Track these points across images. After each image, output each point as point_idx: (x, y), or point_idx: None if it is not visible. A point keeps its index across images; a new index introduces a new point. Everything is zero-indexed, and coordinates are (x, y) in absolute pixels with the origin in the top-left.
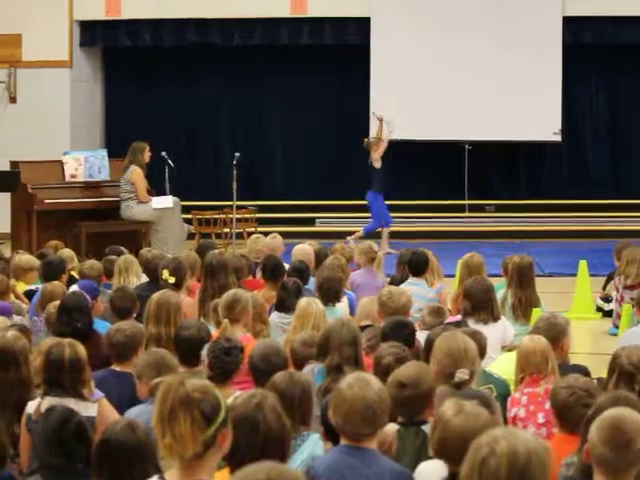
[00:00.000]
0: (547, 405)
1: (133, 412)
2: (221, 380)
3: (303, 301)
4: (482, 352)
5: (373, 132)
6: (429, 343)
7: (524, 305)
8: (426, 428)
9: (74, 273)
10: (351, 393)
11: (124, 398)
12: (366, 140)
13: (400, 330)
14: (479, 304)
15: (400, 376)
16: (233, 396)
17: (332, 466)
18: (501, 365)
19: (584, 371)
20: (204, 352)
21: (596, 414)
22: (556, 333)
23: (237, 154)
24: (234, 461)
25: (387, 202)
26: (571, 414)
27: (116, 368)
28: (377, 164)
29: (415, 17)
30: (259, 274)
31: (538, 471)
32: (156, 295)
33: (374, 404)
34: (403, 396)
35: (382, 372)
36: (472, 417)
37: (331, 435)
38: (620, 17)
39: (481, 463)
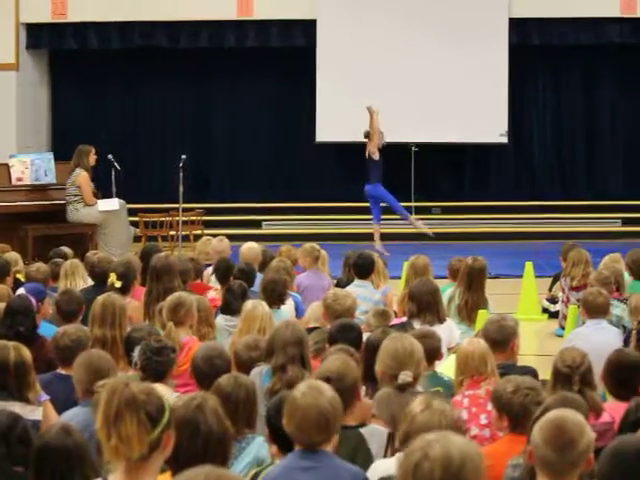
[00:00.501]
0: (489, 406)
1: (68, 415)
2: (153, 381)
3: (249, 304)
4: (436, 353)
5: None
6: (368, 345)
7: (470, 307)
8: (365, 430)
9: (20, 276)
10: (304, 402)
11: (70, 402)
12: (365, 131)
13: (347, 332)
14: (424, 306)
15: (325, 371)
16: (173, 398)
17: (286, 469)
18: (450, 367)
19: (532, 373)
20: (135, 353)
21: (542, 415)
22: (506, 334)
23: (183, 156)
24: (175, 464)
25: (334, 204)
26: (523, 413)
27: (62, 371)
28: (375, 156)
29: (361, 18)
30: (212, 276)
31: (472, 476)
32: (101, 298)
33: (327, 412)
34: (342, 387)
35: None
36: (438, 414)
37: (276, 437)
38: (566, 18)
39: (415, 467)
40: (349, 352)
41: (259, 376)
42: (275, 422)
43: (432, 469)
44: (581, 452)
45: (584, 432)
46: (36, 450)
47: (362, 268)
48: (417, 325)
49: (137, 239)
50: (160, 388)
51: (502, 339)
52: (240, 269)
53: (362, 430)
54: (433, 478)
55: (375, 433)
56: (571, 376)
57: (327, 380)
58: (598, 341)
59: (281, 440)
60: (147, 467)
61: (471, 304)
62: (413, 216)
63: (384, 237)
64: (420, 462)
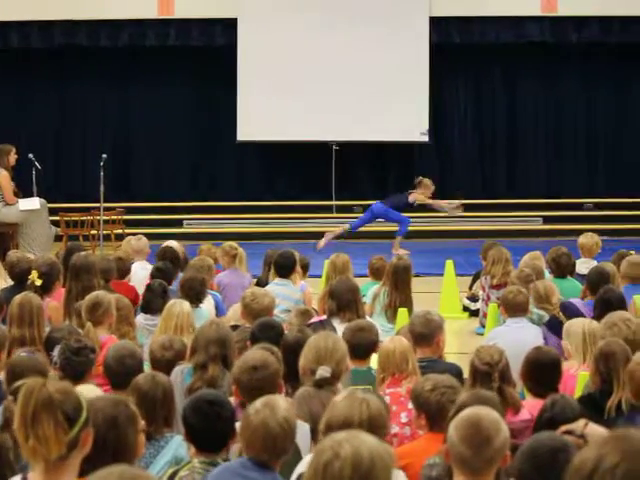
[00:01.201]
0: (410, 405)
1: None
2: (73, 381)
3: (170, 302)
4: (372, 347)
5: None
6: (285, 344)
7: (395, 307)
8: None
9: None
10: (256, 420)
11: None
12: (419, 180)
13: (268, 331)
14: (344, 304)
15: (250, 360)
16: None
17: (229, 472)
18: (373, 365)
19: (457, 369)
20: (55, 353)
21: (457, 413)
22: (432, 328)
23: (104, 155)
24: (88, 465)
25: (255, 203)
26: (440, 412)
27: None
28: (411, 200)
29: (281, 17)
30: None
31: (382, 475)
32: (18, 297)
33: (277, 434)
34: (255, 379)
35: None
36: (359, 403)
37: (192, 437)
38: (487, 17)
39: (325, 466)
40: (270, 350)
41: (180, 374)
42: (191, 421)
43: (342, 468)
44: (497, 449)
45: (500, 429)
46: None
47: (283, 267)
48: (336, 323)
49: (58, 238)
50: (86, 388)
51: (428, 332)
52: (157, 268)
53: None
54: (343, 477)
55: (299, 428)
56: (490, 373)
57: (254, 368)
58: (518, 340)
59: (197, 439)
60: (66, 466)
61: (399, 302)
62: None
63: (308, 236)
64: (330, 461)
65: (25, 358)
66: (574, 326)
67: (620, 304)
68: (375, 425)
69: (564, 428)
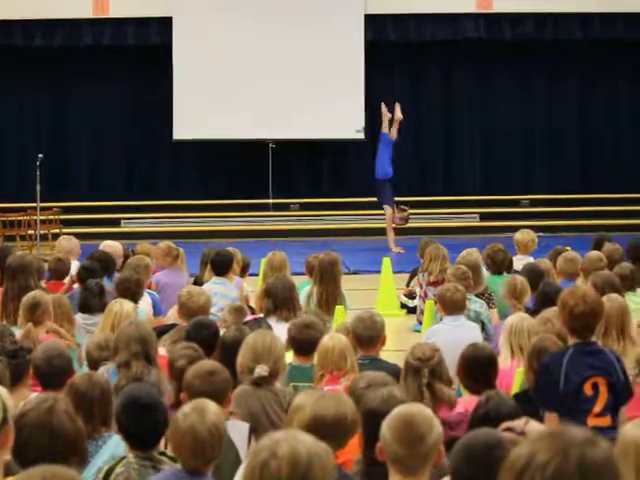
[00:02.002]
0: None
1: None
2: (12, 383)
3: (112, 301)
4: (316, 345)
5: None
6: (223, 343)
7: (326, 300)
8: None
9: None
10: (184, 424)
11: None
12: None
13: (202, 330)
14: (280, 302)
15: (205, 365)
16: (24, 400)
17: None
18: None
19: (396, 370)
20: None
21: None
22: (377, 331)
23: (40, 155)
24: (28, 466)
25: (191, 202)
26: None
27: None
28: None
29: (216, 16)
30: None
31: (319, 475)
32: None
33: (205, 438)
34: (217, 382)
35: (176, 374)
36: (326, 400)
37: (125, 435)
38: (422, 14)
39: (262, 466)
40: (193, 349)
41: (106, 374)
42: (123, 420)
43: (279, 468)
44: (431, 446)
45: (432, 426)
46: None
47: (220, 265)
48: (273, 322)
49: None
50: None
51: (374, 334)
52: (84, 266)
53: (229, 422)
54: (280, 477)
55: (235, 426)
56: (420, 369)
57: (211, 373)
58: (457, 338)
59: (130, 437)
60: None
61: (326, 297)
62: None
63: (245, 234)
64: (267, 461)
65: None
66: (506, 321)
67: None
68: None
69: (505, 425)
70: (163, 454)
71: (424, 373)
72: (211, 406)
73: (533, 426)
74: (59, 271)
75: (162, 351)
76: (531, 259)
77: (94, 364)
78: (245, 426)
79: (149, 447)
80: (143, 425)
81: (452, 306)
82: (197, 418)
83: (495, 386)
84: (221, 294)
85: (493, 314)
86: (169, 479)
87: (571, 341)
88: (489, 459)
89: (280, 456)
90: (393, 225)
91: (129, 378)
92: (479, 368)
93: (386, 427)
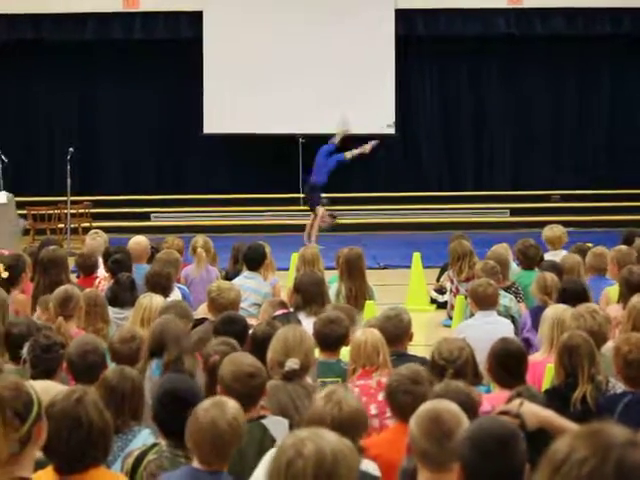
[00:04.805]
0: (380, 397)
1: None
2: (44, 377)
3: (142, 295)
4: (342, 340)
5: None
6: (254, 338)
7: (355, 295)
8: (266, 422)
9: None
10: (204, 420)
11: None
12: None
13: (231, 325)
14: (310, 297)
15: (246, 367)
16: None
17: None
18: (345, 356)
19: (424, 363)
20: (24, 350)
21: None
22: (404, 328)
23: (71, 149)
24: (57, 457)
25: (222, 196)
26: (395, 401)
27: None
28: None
29: (247, 10)
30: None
31: (345, 473)
32: None
33: (225, 433)
34: (255, 385)
35: (209, 369)
36: (333, 403)
37: (160, 425)
38: (453, 9)
39: (287, 465)
40: (229, 346)
41: (149, 370)
42: (159, 411)
43: (305, 467)
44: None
45: (460, 422)
46: None
47: (252, 260)
48: (303, 317)
49: (25, 232)
50: (46, 384)
51: (401, 333)
52: (114, 260)
53: (264, 421)
54: (306, 476)
55: (277, 422)
56: (446, 368)
57: (251, 375)
58: (488, 333)
59: (165, 428)
60: (20, 460)
61: (355, 292)
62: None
63: (275, 229)
64: (293, 460)
65: None
66: (547, 313)
67: (579, 295)
68: (348, 426)
69: (500, 408)
70: None
71: (448, 374)
72: (231, 402)
73: (528, 407)
74: (85, 267)
75: None
76: (564, 252)
77: (117, 357)
78: (285, 422)
79: (183, 438)
80: (180, 418)
81: (484, 301)
82: (218, 413)
83: (525, 381)
84: (252, 289)
85: (521, 308)
86: (185, 475)
87: (626, 388)
88: (502, 453)
89: (306, 455)
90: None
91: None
92: (509, 363)
93: (414, 424)
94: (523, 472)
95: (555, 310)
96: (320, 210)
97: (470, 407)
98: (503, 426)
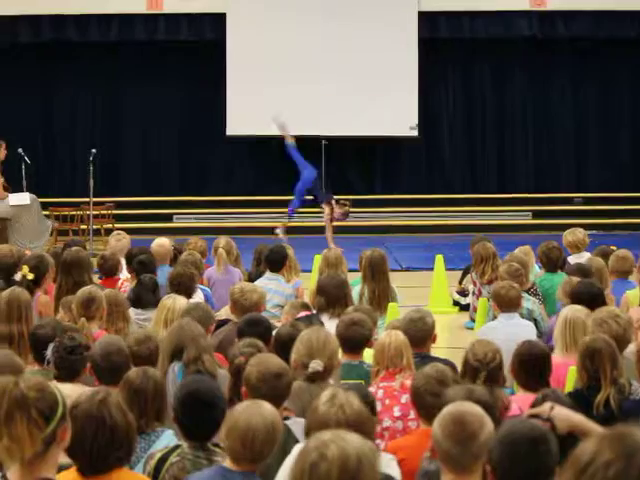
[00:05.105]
0: (403, 399)
1: None
2: (68, 379)
3: (166, 296)
4: (364, 342)
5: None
6: (277, 339)
7: (378, 297)
8: (290, 422)
9: None
10: (241, 420)
11: None
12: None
13: (255, 327)
14: (333, 299)
15: (273, 367)
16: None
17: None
18: (369, 358)
19: (451, 366)
20: (49, 351)
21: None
22: (428, 331)
23: (93, 150)
24: (80, 457)
25: (244, 198)
26: (421, 403)
27: None
28: (326, 208)
29: (270, 12)
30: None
31: (369, 474)
32: (5, 293)
33: (260, 435)
34: (281, 386)
35: (234, 371)
36: (337, 407)
37: (182, 428)
38: (476, 12)
39: (311, 468)
40: (257, 346)
41: (172, 373)
42: (181, 413)
43: (329, 469)
44: (483, 444)
45: (484, 423)
46: None
47: (274, 262)
48: (325, 319)
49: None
50: (68, 387)
51: (425, 335)
52: (139, 261)
53: (287, 422)
54: (330, 479)
55: (300, 424)
56: (479, 370)
57: (279, 375)
58: (512, 335)
59: (187, 431)
60: (45, 461)
61: (378, 293)
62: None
63: (297, 230)
64: (317, 462)
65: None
66: (560, 313)
67: (594, 297)
68: (352, 429)
69: (530, 412)
70: (216, 445)
71: (481, 376)
72: (267, 405)
73: (559, 412)
74: (107, 268)
75: None
76: (587, 255)
77: (135, 359)
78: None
79: (205, 440)
80: (202, 421)
81: (507, 303)
82: (254, 415)
83: (549, 383)
84: (275, 290)
85: (543, 311)
86: (216, 474)
87: None
88: (534, 454)
89: (330, 458)
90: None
91: (198, 373)
92: (534, 365)
93: (437, 426)
94: (554, 474)
95: (568, 310)
96: (326, 209)
97: (490, 411)
98: (535, 428)
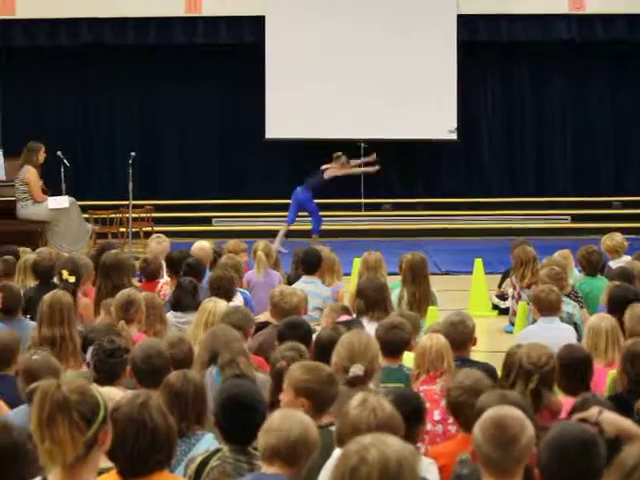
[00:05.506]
0: (443, 403)
1: (13, 412)
2: (107, 382)
3: (207, 299)
4: (404, 345)
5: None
6: (318, 342)
7: (418, 301)
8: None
9: None
10: (277, 424)
11: (5, 400)
12: (339, 154)
13: (295, 330)
14: (372, 302)
15: (324, 374)
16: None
17: None
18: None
19: (489, 369)
20: (88, 354)
21: (481, 414)
22: (468, 335)
23: (132, 153)
24: (122, 460)
25: (283, 201)
26: (461, 412)
27: None
28: (326, 176)
29: (309, 15)
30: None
31: (409, 477)
32: (47, 297)
33: (295, 443)
34: (330, 392)
35: (275, 374)
36: (368, 411)
37: (223, 432)
38: (514, 15)
39: (351, 472)
40: (299, 350)
41: (210, 377)
42: (222, 417)
43: (369, 473)
44: (523, 447)
45: (524, 427)
46: None
47: (309, 264)
48: (365, 322)
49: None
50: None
51: (465, 338)
52: (188, 264)
53: (332, 428)
54: None
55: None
56: (532, 374)
57: (330, 382)
58: (552, 339)
59: (228, 435)
60: (86, 464)
61: (418, 297)
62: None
63: (337, 234)
64: (357, 466)
65: (39, 360)
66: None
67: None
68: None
69: (579, 416)
70: (257, 449)
71: (533, 379)
72: (301, 413)
73: (607, 416)
74: (149, 272)
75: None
76: (627, 258)
77: (172, 362)
78: None
79: (245, 444)
80: (243, 424)
81: (547, 307)
82: (289, 422)
83: (590, 388)
84: (313, 293)
85: (584, 315)
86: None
87: None
88: (582, 456)
89: (370, 462)
90: (351, 170)
91: (236, 376)
92: (575, 369)
93: (478, 429)
94: (601, 476)
95: (594, 318)
96: (331, 171)
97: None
98: (584, 431)
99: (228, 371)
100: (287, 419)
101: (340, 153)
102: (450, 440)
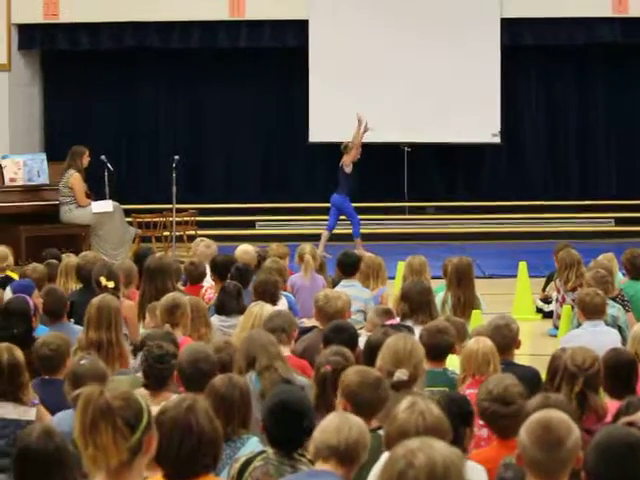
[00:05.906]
0: None
1: (58, 417)
2: (156, 387)
3: (253, 302)
4: (449, 349)
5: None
6: (368, 345)
7: (463, 305)
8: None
9: (10, 273)
10: (331, 426)
11: (55, 405)
12: (344, 144)
13: (340, 333)
14: (417, 306)
15: (371, 375)
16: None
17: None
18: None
19: (533, 373)
20: (137, 360)
21: (526, 417)
22: (512, 338)
23: (176, 157)
24: (168, 464)
25: (327, 204)
26: (493, 422)
27: (45, 376)
28: (347, 169)
29: (353, 18)
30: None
31: None
32: (96, 300)
33: (347, 447)
34: (379, 396)
35: (320, 380)
36: (416, 414)
37: (269, 436)
38: (558, 18)
39: (399, 476)
40: (343, 357)
41: (250, 383)
42: (270, 422)
43: (417, 477)
44: (570, 450)
45: (571, 430)
46: (17, 452)
47: (346, 266)
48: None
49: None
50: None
51: (510, 342)
52: (237, 268)
53: (380, 432)
54: None
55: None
56: (577, 376)
57: (376, 388)
58: (597, 342)
59: (274, 439)
60: (130, 470)
61: (464, 301)
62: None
63: (380, 237)
64: (404, 470)
65: (86, 365)
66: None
67: None
68: (432, 436)
69: (626, 419)
70: (302, 455)
71: (578, 382)
72: (355, 417)
73: None
74: (196, 275)
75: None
76: None
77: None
78: None
79: (292, 449)
80: (291, 430)
81: (592, 311)
82: (341, 426)
83: (636, 391)
84: (354, 296)
85: (630, 318)
86: (297, 476)
87: None
88: (630, 459)
89: (417, 466)
90: (358, 146)
91: (274, 381)
92: (620, 372)
93: (524, 432)
94: None
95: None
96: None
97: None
98: (631, 434)
99: (267, 375)
100: (346, 420)
101: (346, 143)
102: (489, 446)
